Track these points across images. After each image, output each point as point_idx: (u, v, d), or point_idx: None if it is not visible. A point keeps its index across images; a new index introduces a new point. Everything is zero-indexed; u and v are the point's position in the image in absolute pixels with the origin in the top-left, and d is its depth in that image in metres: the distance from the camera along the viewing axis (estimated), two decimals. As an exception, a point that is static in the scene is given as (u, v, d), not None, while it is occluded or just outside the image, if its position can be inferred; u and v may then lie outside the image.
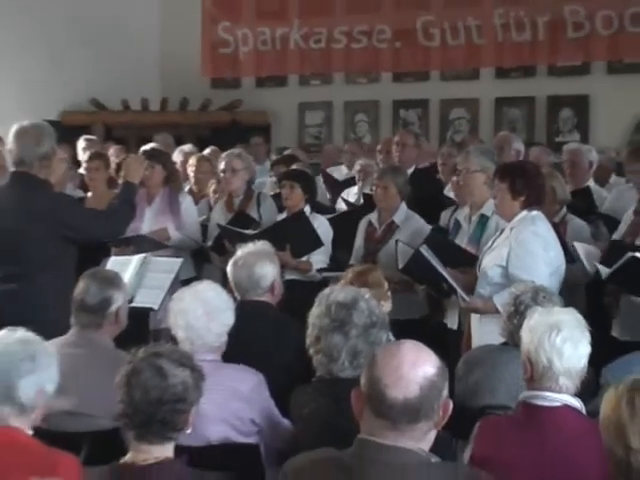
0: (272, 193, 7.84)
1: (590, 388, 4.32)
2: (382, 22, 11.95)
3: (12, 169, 5.57)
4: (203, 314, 3.90)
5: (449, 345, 5.71)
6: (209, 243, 7.02)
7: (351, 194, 8.36)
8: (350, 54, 12.24)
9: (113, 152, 9.19)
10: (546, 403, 3.30)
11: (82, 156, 8.88)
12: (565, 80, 11.46)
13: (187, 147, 9.08)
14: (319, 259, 6.65)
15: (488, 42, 11.45)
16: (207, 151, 8.58)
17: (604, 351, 4.53)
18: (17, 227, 5.22)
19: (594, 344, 4.28)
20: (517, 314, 4.13)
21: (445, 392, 2.59)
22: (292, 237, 6.47)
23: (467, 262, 5.70)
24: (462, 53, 11.65)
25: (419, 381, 2.51)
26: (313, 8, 12.46)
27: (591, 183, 7.41)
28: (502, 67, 11.76)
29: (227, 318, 3.98)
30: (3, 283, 5.30)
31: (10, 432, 3.01)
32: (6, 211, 5.32)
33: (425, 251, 5.59)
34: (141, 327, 5.37)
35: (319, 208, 7.39)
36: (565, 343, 3.31)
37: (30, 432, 3.08)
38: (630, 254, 5.31)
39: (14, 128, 5.54)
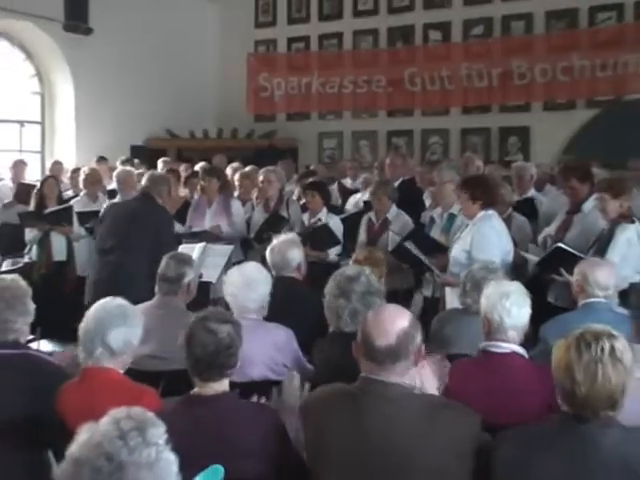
0: (296, 198, 7.86)
1: (531, 340, 4.33)
2: (379, 73, 11.93)
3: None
4: (244, 285, 3.90)
5: (426, 308, 5.75)
6: (252, 235, 7.03)
7: (356, 199, 8.36)
8: (356, 97, 12.21)
9: (183, 168, 9.22)
10: (499, 350, 3.32)
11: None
12: (512, 115, 11.41)
13: (235, 165, 9.09)
14: (334, 249, 6.66)
15: (456, 88, 11.39)
16: (248, 168, 8.56)
17: (542, 313, 4.58)
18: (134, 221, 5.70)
19: (534, 307, 4.31)
20: (470, 286, 4.16)
21: (418, 339, 2.61)
22: (320, 239, 6.57)
23: (439, 250, 5.71)
24: (437, 96, 11.60)
25: (396, 331, 2.54)
26: (328, 64, 12.49)
27: (532, 191, 7.40)
28: (466, 106, 11.71)
29: (263, 288, 3.96)
30: (111, 254, 5.67)
31: (105, 371, 3.03)
32: (134, 212, 5.79)
33: (408, 244, 5.63)
34: (204, 296, 5.38)
35: (333, 209, 7.40)
36: (512, 306, 3.34)
37: (122, 371, 3.10)
38: (556, 245, 5.30)
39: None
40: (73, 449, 1.64)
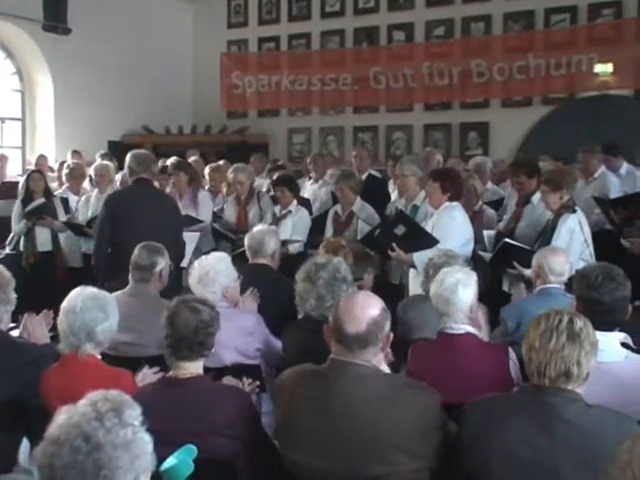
0: (266, 189, 7.85)
1: (490, 322, 4.39)
2: (345, 72, 11.87)
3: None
4: (201, 279, 3.87)
5: (393, 295, 5.75)
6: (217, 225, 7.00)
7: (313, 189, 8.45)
8: (323, 94, 12.14)
9: (161, 163, 9.10)
10: (454, 331, 3.34)
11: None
12: (472, 112, 11.46)
13: (195, 158, 9.10)
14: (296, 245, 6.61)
15: (419, 86, 11.37)
16: (221, 162, 8.51)
17: (498, 301, 4.66)
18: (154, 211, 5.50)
19: (492, 296, 4.38)
20: (432, 272, 4.16)
21: (387, 327, 2.61)
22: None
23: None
24: (401, 93, 11.56)
25: (366, 319, 2.55)
26: (297, 63, 12.41)
27: (489, 184, 7.48)
28: (429, 103, 11.75)
29: (222, 280, 3.90)
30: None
31: (84, 357, 3.02)
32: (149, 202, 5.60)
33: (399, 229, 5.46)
34: (177, 284, 5.33)
35: (302, 201, 7.39)
36: (449, 292, 3.37)
37: (99, 356, 3.09)
38: (504, 240, 5.37)
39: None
40: (52, 430, 1.63)
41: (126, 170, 5.99)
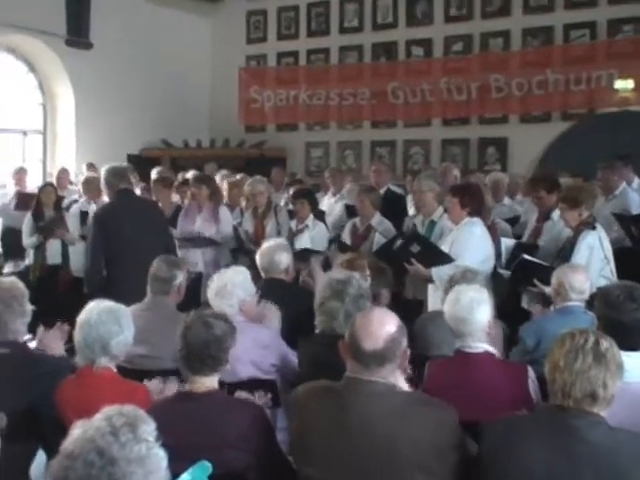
0: (284, 203, 7.82)
1: (507, 341, 4.34)
2: (363, 86, 11.91)
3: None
4: (219, 292, 3.85)
5: (408, 310, 5.70)
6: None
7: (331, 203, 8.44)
8: (341, 109, 12.19)
9: (181, 176, 9.09)
10: (472, 350, 3.30)
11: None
12: (490, 127, 11.42)
13: (224, 172, 9.10)
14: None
15: (436, 101, 11.39)
16: (238, 177, 8.52)
17: (518, 317, 4.61)
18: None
19: (510, 312, 4.32)
20: (451, 288, 4.13)
21: (404, 343, 2.58)
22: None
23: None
24: (418, 108, 11.58)
25: (383, 336, 2.51)
26: (316, 77, 12.48)
27: (506, 200, 7.45)
28: (447, 118, 11.72)
29: (239, 293, 3.87)
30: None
31: (100, 369, 3.00)
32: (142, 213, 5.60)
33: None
34: (195, 298, 5.31)
35: (320, 215, 7.38)
36: (467, 311, 3.32)
37: (115, 369, 3.07)
38: (522, 257, 5.32)
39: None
40: (67, 444, 1.62)
41: (104, 187, 5.88)
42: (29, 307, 3.31)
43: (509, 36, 11.29)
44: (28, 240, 7.55)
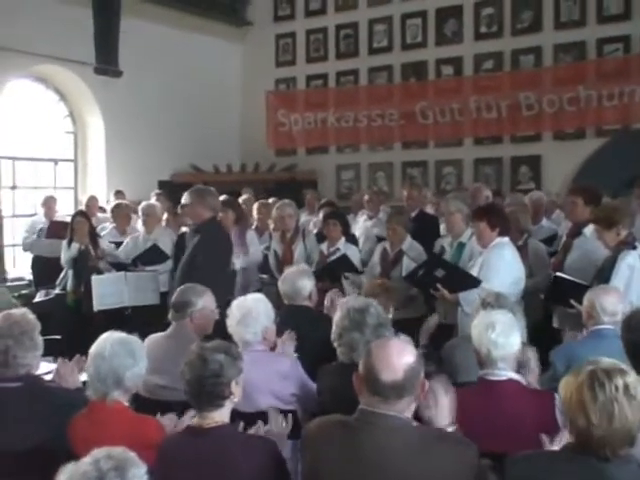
0: (316, 230, 7.74)
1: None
2: (392, 108, 11.86)
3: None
4: (241, 319, 3.80)
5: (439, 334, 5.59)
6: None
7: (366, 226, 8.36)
8: (371, 130, 12.14)
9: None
10: (495, 378, 3.20)
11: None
12: (523, 145, 11.28)
13: (246, 197, 9.13)
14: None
15: (467, 120, 11.30)
16: (270, 200, 8.50)
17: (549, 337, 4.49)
18: None
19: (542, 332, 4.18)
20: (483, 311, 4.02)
21: (422, 374, 2.50)
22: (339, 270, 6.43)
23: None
24: (449, 128, 11.49)
25: (403, 367, 2.43)
26: (344, 100, 12.45)
27: (544, 221, 7.30)
28: (479, 137, 11.60)
29: (262, 320, 3.83)
30: None
31: (112, 403, 2.95)
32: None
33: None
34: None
35: (352, 238, 7.31)
36: (498, 337, 3.22)
37: (126, 403, 3.01)
38: (555, 274, 5.18)
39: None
40: (53, 490, 1.56)
41: (205, 209, 5.81)
42: (40, 340, 3.27)
43: (540, 52, 11.17)
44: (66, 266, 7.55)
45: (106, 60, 11.22)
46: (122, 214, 8.31)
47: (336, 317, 3.64)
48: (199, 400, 2.71)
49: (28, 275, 9.92)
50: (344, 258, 6.49)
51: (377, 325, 3.51)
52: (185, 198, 5.89)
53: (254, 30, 13.75)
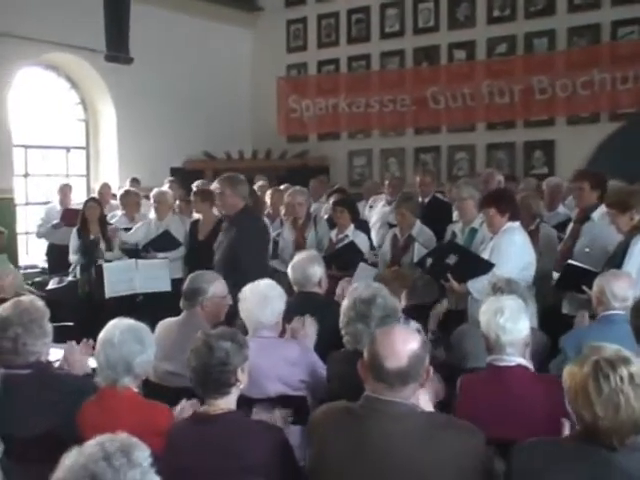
0: (327, 216, 7.75)
1: (548, 351, 4.23)
2: (404, 93, 11.78)
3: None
4: (257, 302, 3.80)
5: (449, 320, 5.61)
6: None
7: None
8: (383, 116, 12.06)
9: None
10: (504, 363, 3.20)
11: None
12: (536, 130, 11.19)
13: (260, 183, 9.25)
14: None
15: (479, 104, 11.20)
16: (282, 187, 8.51)
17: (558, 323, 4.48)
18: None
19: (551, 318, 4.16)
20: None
21: (427, 361, 2.51)
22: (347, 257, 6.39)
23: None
24: (461, 113, 11.39)
25: (408, 353, 2.44)
26: (355, 85, 12.38)
27: (561, 208, 7.27)
28: (491, 122, 11.51)
29: (277, 304, 3.84)
30: None
31: (121, 390, 2.98)
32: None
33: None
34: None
35: (360, 224, 7.30)
36: (507, 322, 3.22)
37: (136, 389, 3.04)
38: (567, 262, 5.16)
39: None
40: (58, 473, 1.58)
41: (237, 198, 5.76)
42: (49, 327, 3.30)
43: (554, 36, 11.05)
44: (73, 257, 7.65)
45: (117, 47, 11.18)
46: (131, 201, 8.36)
47: (343, 305, 3.65)
48: (205, 388, 2.72)
49: (41, 263, 10.01)
50: (351, 245, 6.49)
51: (383, 317, 3.49)
52: (217, 186, 5.79)
53: (265, 15, 13.70)
